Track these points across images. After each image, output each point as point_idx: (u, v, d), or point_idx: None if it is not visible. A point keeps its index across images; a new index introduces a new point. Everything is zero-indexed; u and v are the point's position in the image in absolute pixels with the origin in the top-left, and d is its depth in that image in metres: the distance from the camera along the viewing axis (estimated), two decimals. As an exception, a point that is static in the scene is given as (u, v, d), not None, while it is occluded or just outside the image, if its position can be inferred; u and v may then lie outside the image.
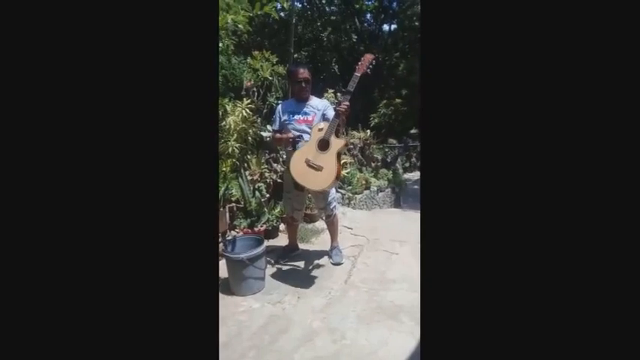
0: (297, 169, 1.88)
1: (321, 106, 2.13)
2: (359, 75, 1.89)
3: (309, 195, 2.40)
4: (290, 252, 2.43)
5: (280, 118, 2.14)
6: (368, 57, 1.93)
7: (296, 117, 2.09)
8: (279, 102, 2.75)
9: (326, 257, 2.38)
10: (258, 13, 2.22)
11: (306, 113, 2.10)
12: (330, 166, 1.81)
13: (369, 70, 1.90)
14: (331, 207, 2.24)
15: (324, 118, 2.05)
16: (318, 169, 1.82)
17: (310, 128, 2.05)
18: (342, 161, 4.14)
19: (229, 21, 2.07)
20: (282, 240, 2.74)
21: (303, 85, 2.08)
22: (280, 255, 2.39)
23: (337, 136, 1.88)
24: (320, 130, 1.88)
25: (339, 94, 4.31)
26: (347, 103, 1.85)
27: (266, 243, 2.08)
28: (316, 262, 2.34)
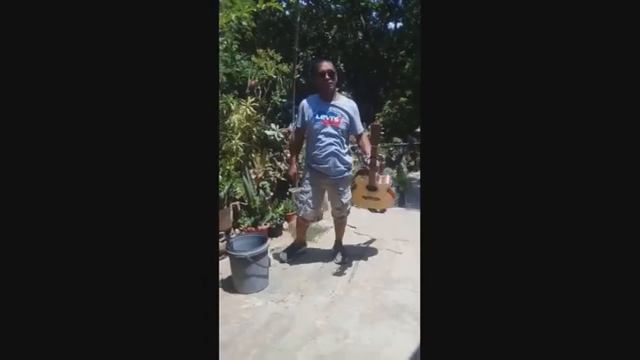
0: (359, 199, 2.21)
1: (348, 107, 2.02)
2: (376, 147, 1.97)
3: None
4: (297, 249, 2.42)
5: (304, 116, 2.02)
6: (376, 127, 1.94)
7: (322, 117, 1.98)
8: (284, 100, 2.74)
9: (330, 256, 2.37)
10: (262, 7, 2.20)
11: (332, 114, 1.99)
12: (386, 198, 2.18)
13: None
14: (347, 209, 2.22)
15: (350, 124, 2.03)
16: (376, 199, 2.18)
17: (336, 130, 1.98)
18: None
19: (233, 19, 2.07)
20: (285, 238, 2.74)
21: (327, 77, 1.94)
22: (287, 251, 2.37)
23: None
24: (361, 181, 2.14)
25: (343, 92, 4.30)
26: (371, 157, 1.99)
27: (269, 241, 2.08)
28: (320, 260, 2.34)
